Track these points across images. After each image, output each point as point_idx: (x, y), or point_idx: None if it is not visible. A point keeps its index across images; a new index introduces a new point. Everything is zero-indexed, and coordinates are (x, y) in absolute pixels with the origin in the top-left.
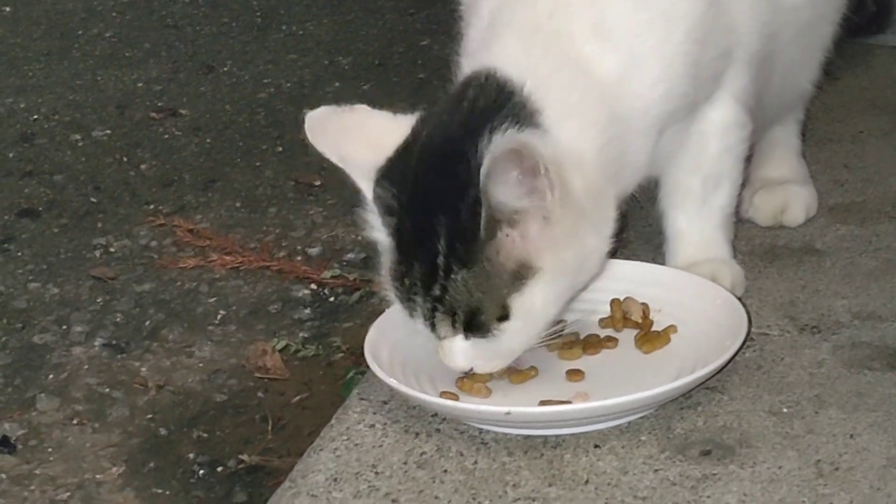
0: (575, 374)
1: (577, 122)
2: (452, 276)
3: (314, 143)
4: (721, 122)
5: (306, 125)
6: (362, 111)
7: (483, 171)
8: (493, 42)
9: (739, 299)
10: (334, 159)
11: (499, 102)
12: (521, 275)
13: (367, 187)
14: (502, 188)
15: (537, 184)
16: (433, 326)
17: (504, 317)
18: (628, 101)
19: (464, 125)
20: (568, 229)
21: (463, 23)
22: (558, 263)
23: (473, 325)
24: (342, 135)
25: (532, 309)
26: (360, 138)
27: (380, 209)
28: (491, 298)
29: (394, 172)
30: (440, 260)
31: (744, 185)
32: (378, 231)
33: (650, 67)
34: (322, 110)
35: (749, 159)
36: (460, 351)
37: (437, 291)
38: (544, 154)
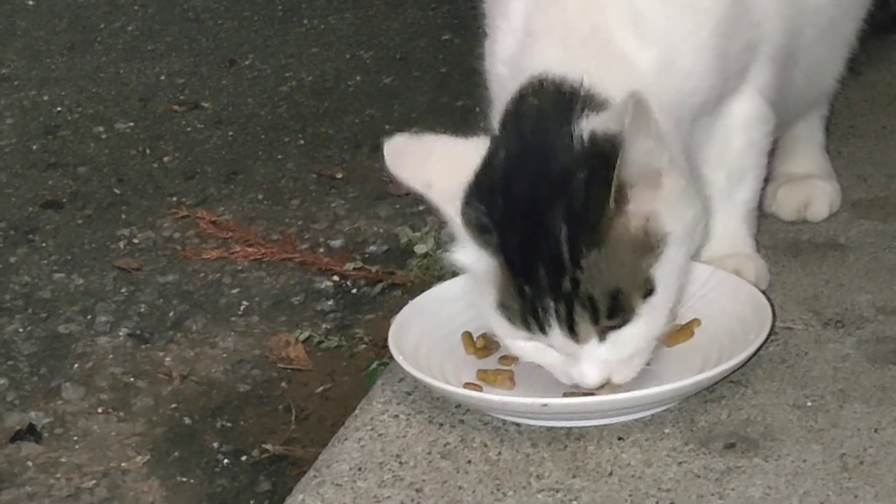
0: None
1: None
2: (583, 261)
3: (395, 172)
4: (745, 116)
5: (386, 154)
6: (434, 137)
7: (626, 130)
8: (531, 46)
9: (763, 293)
10: (418, 187)
11: (566, 98)
12: (651, 245)
13: (454, 212)
14: (638, 146)
15: (658, 142)
16: (572, 329)
17: (649, 292)
18: (666, 94)
19: (541, 127)
20: (681, 190)
21: (487, 24)
22: (683, 223)
23: (615, 310)
24: (423, 161)
25: (673, 277)
26: (440, 164)
27: (473, 230)
28: (631, 274)
29: (481, 190)
30: (565, 252)
31: (767, 179)
32: (472, 255)
33: (682, 60)
34: (399, 139)
35: (772, 154)
36: (597, 361)
37: (568, 286)
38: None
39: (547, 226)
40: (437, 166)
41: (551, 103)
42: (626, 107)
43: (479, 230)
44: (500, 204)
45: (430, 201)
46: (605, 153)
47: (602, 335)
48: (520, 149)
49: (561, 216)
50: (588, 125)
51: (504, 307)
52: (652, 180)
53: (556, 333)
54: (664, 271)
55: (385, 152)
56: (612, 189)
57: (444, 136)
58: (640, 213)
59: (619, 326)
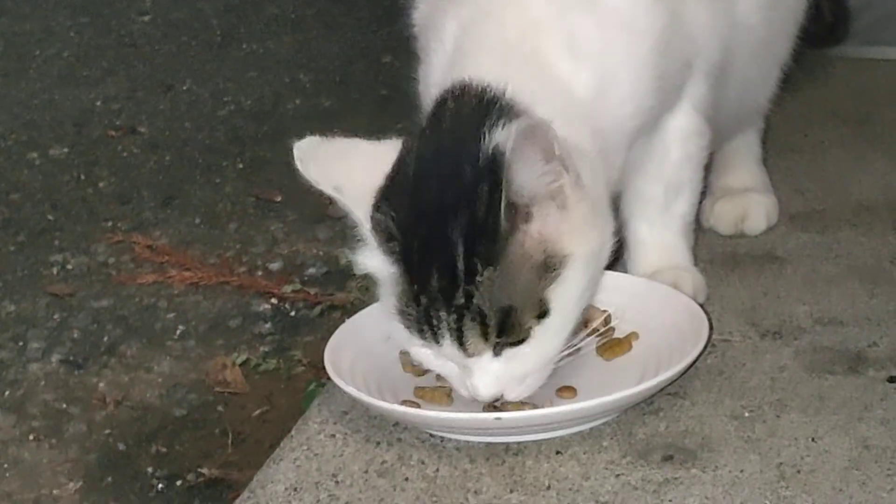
0: None
1: (566, 123)
2: (478, 277)
3: (305, 173)
4: (681, 130)
5: (296, 155)
6: (347, 140)
7: (508, 153)
8: (464, 61)
9: (701, 306)
10: (328, 189)
11: (484, 104)
12: (551, 265)
13: (364, 216)
14: (524, 170)
15: (553, 165)
16: (461, 342)
17: (543, 313)
18: (601, 119)
19: (454, 134)
20: (586, 214)
21: (420, 47)
22: (587, 246)
23: (507, 328)
24: (334, 163)
25: (570, 300)
26: (351, 166)
27: (379, 237)
28: (526, 294)
29: (391, 195)
30: (460, 264)
31: (704, 193)
32: (377, 261)
33: (620, 83)
34: (309, 140)
35: (709, 168)
36: (490, 375)
37: (460, 299)
38: (556, 135)
39: (446, 237)
40: (350, 169)
41: (469, 109)
42: (510, 132)
43: (385, 236)
44: (406, 210)
45: (340, 204)
46: (500, 171)
47: (497, 350)
48: (431, 153)
49: (460, 229)
50: (496, 136)
51: (402, 314)
52: (558, 201)
53: (448, 345)
54: (561, 293)
55: (295, 152)
56: (502, 208)
57: (356, 139)
58: (542, 233)
59: (513, 344)
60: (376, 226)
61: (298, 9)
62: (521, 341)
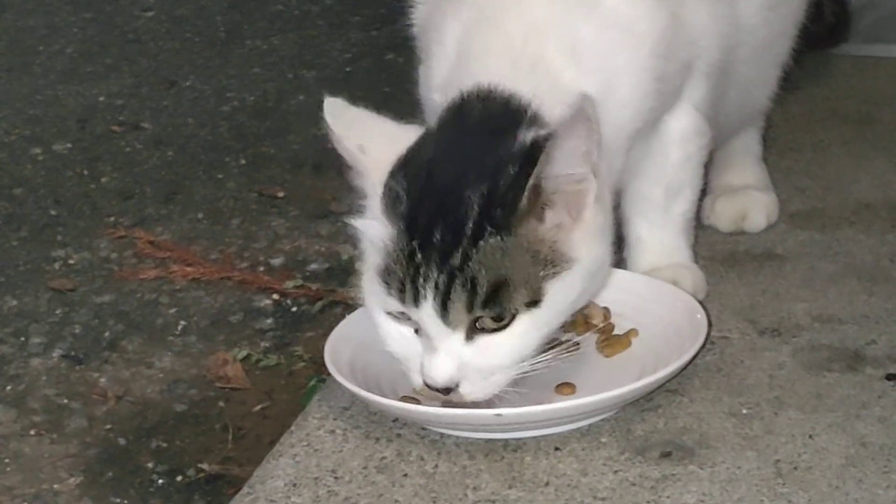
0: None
1: None
2: (482, 241)
3: (333, 127)
4: (681, 130)
5: (325, 109)
6: (374, 114)
7: (560, 129)
8: (472, 64)
9: (700, 302)
10: (351, 146)
11: (514, 111)
12: (554, 262)
13: (377, 181)
14: (562, 156)
15: (586, 167)
16: (444, 306)
17: (534, 302)
18: (606, 122)
19: (484, 129)
20: (600, 225)
21: (420, 48)
22: (592, 257)
23: (493, 302)
24: (359, 126)
25: (563, 300)
26: (374, 135)
27: (387, 201)
28: (523, 275)
29: (407, 168)
30: (469, 224)
31: (704, 191)
32: (375, 224)
33: (620, 88)
34: (338, 100)
35: (709, 166)
36: (453, 358)
37: (457, 259)
38: (600, 140)
39: (462, 200)
40: (372, 135)
41: (498, 110)
42: (571, 109)
43: (392, 200)
44: (422, 180)
45: (356, 166)
46: (539, 151)
47: (470, 334)
48: (458, 139)
49: (479, 195)
50: (533, 134)
51: (386, 272)
52: (577, 205)
53: (427, 308)
54: (557, 290)
55: (325, 107)
56: (528, 185)
57: (382, 116)
58: (555, 229)
59: (491, 331)
60: (387, 191)
61: (302, 5)
62: (500, 329)
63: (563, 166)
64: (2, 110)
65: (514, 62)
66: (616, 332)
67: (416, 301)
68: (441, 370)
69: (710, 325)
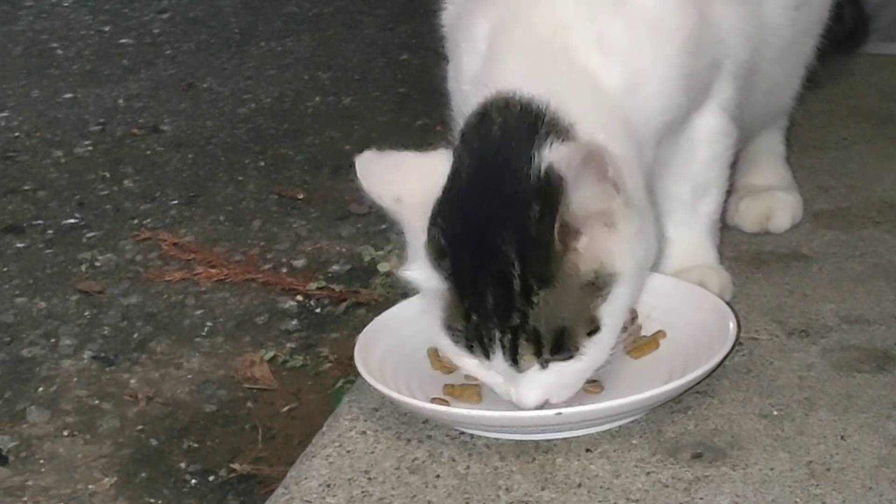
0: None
1: (606, 133)
2: (533, 298)
3: (367, 188)
4: (709, 130)
5: (357, 171)
6: (399, 153)
7: (568, 180)
8: (498, 65)
9: (728, 304)
10: (389, 202)
11: (531, 121)
12: (599, 285)
13: (422, 227)
14: (580, 194)
15: (606, 188)
16: (514, 359)
17: (594, 330)
18: (634, 113)
19: (503, 150)
20: (635, 229)
21: (450, 47)
22: (633, 263)
23: (559, 347)
24: (392, 176)
25: (619, 315)
26: (409, 179)
27: (433, 251)
28: (578, 313)
29: (445, 210)
30: (516, 284)
31: (729, 192)
32: (426, 273)
33: (649, 80)
34: (369, 154)
35: (734, 166)
36: (537, 385)
37: (516, 320)
38: (612, 159)
39: (500, 257)
40: (406, 181)
41: (516, 123)
42: (576, 156)
43: (438, 251)
44: (458, 227)
45: (397, 217)
46: (555, 192)
47: (544, 364)
48: (481, 169)
49: (514, 249)
50: (548, 156)
51: (450, 329)
52: (606, 219)
53: (499, 361)
54: (610, 310)
55: (357, 167)
56: (556, 229)
57: (408, 151)
58: (592, 253)
59: (562, 360)
60: (431, 239)
61: (317, 7)
62: (569, 357)
63: (582, 202)
64: (23, 113)
65: (538, 57)
66: (643, 333)
67: (487, 356)
68: (529, 400)
69: (738, 326)
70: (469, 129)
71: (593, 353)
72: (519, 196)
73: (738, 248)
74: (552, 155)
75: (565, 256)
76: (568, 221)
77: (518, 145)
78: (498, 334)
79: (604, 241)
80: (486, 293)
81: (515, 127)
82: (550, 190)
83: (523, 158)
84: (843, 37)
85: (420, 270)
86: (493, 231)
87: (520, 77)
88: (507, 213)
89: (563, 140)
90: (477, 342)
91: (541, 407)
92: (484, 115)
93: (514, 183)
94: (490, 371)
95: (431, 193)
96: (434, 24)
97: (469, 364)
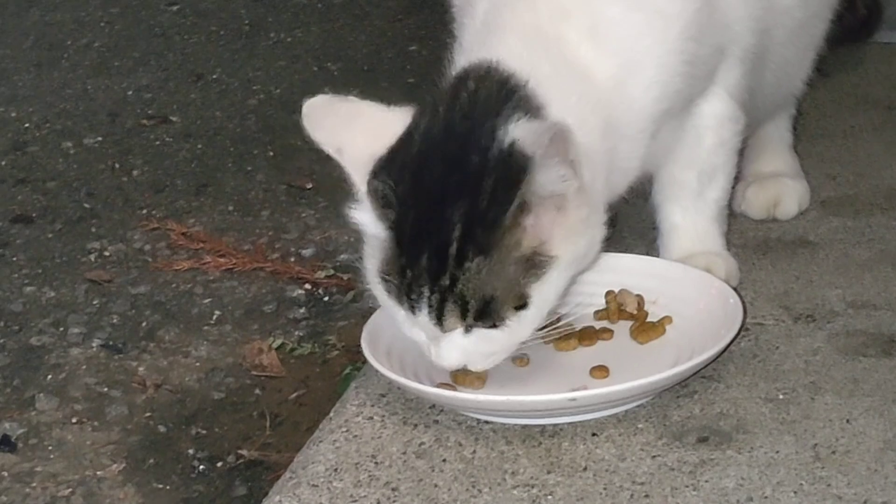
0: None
1: (577, 121)
2: (467, 263)
3: (311, 133)
4: (715, 116)
5: (303, 113)
6: (358, 102)
7: (536, 158)
8: (491, 39)
9: (734, 290)
10: (330, 150)
11: (503, 94)
12: (535, 263)
13: (361, 179)
14: (544, 173)
15: (567, 170)
16: (439, 319)
17: (522, 305)
18: (623, 106)
19: (468, 118)
20: (582, 218)
21: (456, 24)
22: (572, 251)
23: (484, 314)
24: (339, 125)
25: (547, 297)
26: (356, 129)
27: (375, 201)
28: (508, 286)
29: (393, 165)
30: (453, 248)
31: (736, 179)
32: (369, 219)
33: (645, 69)
34: (319, 99)
35: (741, 154)
36: (457, 347)
37: (446, 281)
38: (574, 140)
39: (444, 220)
40: (356, 131)
41: (487, 93)
42: (544, 135)
43: (381, 203)
44: (407, 183)
45: (340, 165)
46: (517, 168)
47: (468, 329)
48: (442, 133)
49: (459, 215)
50: (514, 131)
51: (384, 278)
52: (559, 202)
53: (424, 318)
54: (542, 290)
55: (303, 112)
56: (513, 206)
57: (368, 101)
58: (537, 231)
59: (485, 327)
60: (373, 192)
61: None
62: (493, 327)
63: (541, 185)
64: (33, 104)
65: (530, 40)
66: (650, 319)
67: (413, 310)
68: (448, 359)
69: (745, 311)
70: (440, 91)
71: (517, 328)
72: (476, 164)
73: (744, 235)
74: (517, 131)
75: (510, 231)
76: (527, 200)
77: (484, 115)
78: (427, 293)
79: (550, 223)
80: (424, 251)
81: (486, 96)
82: (513, 165)
83: (486, 128)
84: (855, 25)
85: (364, 214)
86: (443, 193)
87: (507, 54)
88: (460, 178)
89: (529, 118)
90: (406, 297)
91: (546, 392)
92: (460, 79)
93: (473, 150)
94: (415, 327)
95: (377, 148)
96: (442, 15)
97: (398, 317)
